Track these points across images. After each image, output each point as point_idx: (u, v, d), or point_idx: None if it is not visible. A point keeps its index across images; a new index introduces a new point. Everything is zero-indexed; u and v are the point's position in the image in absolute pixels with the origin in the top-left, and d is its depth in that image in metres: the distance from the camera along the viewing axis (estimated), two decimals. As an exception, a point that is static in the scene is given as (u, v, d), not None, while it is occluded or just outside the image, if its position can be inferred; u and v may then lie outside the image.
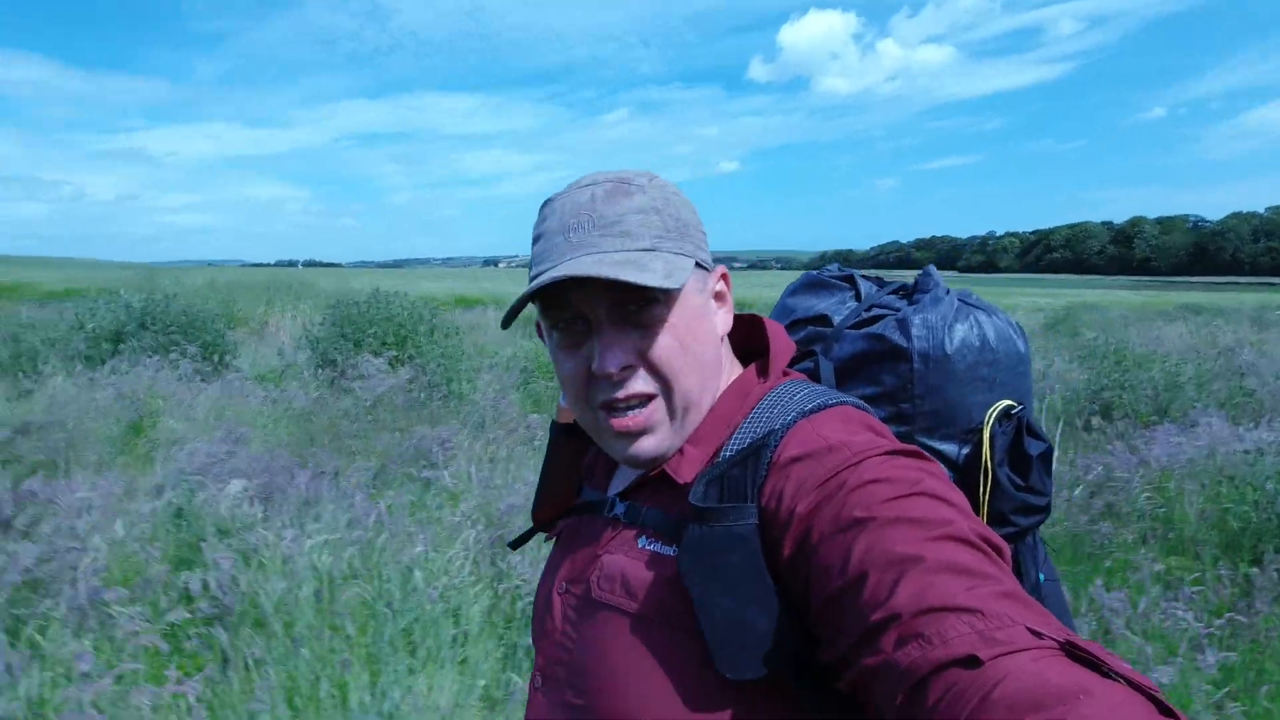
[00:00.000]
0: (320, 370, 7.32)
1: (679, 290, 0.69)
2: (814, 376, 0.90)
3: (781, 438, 0.67)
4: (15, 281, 23.26)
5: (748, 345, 0.82)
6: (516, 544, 0.95)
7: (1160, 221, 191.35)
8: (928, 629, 0.50)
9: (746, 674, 0.60)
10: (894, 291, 0.99)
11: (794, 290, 1.04)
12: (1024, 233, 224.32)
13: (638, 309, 0.70)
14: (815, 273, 1.04)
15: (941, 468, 0.66)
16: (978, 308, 0.92)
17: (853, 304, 0.97)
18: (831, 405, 0.70)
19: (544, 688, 0.76)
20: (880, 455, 0.62)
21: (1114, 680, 0.45)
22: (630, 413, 0.72)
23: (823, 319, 0.96)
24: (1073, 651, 0.47)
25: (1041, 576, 0.91)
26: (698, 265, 0.73)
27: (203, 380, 7.04)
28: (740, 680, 0.60)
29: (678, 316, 0.71)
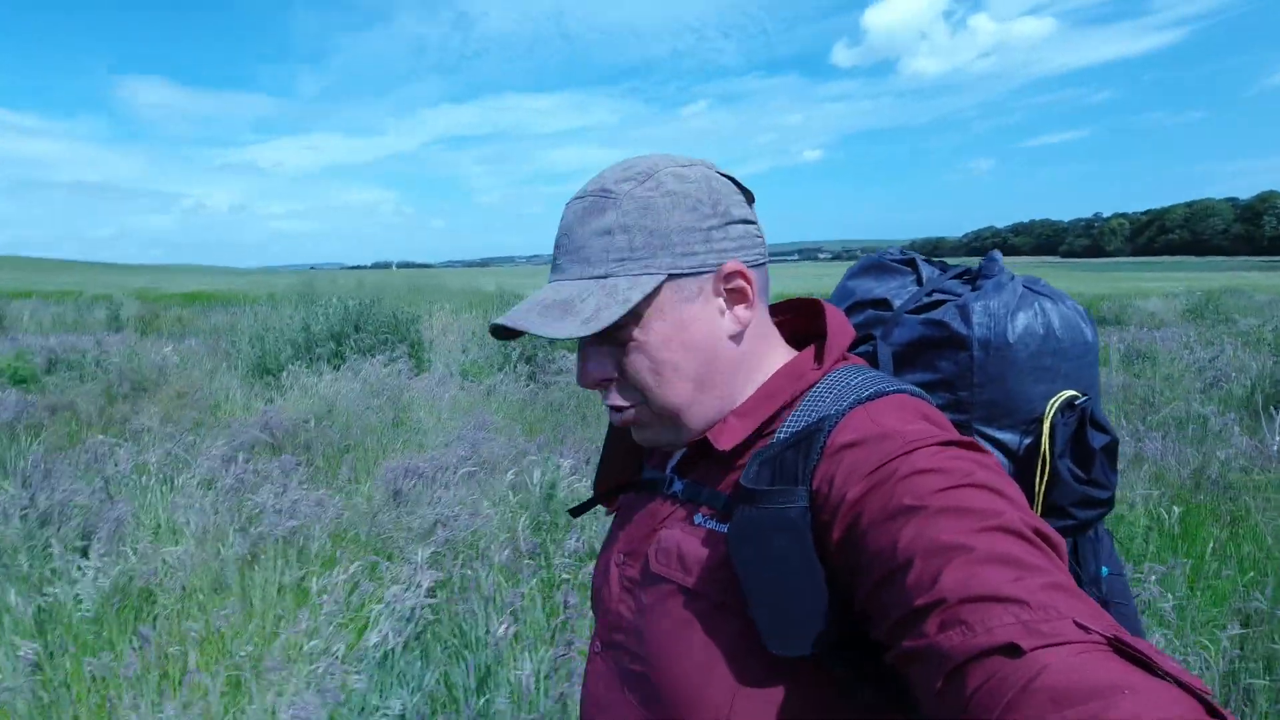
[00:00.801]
0: (518, 365, 7.99)
1: (647, 308, 0.70)
2: (872, 360, 0.90)
3: (836, 423, 0.66)
4: (198, 289, 25.48)
5: (809, 329, 0.82)
6: (577, 512, 0.95)
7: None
8: (971, 616, 0.49)
9: (791, 651, 0.61)
10: (957, 276, 0.97)
11: (854, 273, 1.02)
12: (1135, 213, 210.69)
13: (608, 328, 0.70)
14: (876, 255, 1.03)
15: (996, 459, 0.65)
16: (1043, 295, 0.89)
17: (914, 288, 0.96)
18: (888, 393, 0.69)
19: (603, 653, 0.79)
20: (933, 445, 0.61)
21: (1161, 679, 0.44)
22: (617, 413, 0.76)
23: (883, 303, 0.95)
24: (1120, 648, 0.46)
25: (1105, 570, 0.90)
26: (682, 274, 0.71)
27: (413, 376, 7.82)
28: (786, 657, 0.62)
29: (650, 334, 0.71)
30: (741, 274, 0.73)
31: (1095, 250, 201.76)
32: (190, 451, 4.26)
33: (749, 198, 0.77)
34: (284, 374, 7.50)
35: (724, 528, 0.69)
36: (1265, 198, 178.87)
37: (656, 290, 0.70)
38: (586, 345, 0.74)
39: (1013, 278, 0.91)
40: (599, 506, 0.94)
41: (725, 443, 0.72)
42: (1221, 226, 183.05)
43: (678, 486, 0.77)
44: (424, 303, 16.88)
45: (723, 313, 0.73)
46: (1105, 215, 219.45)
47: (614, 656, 0.76)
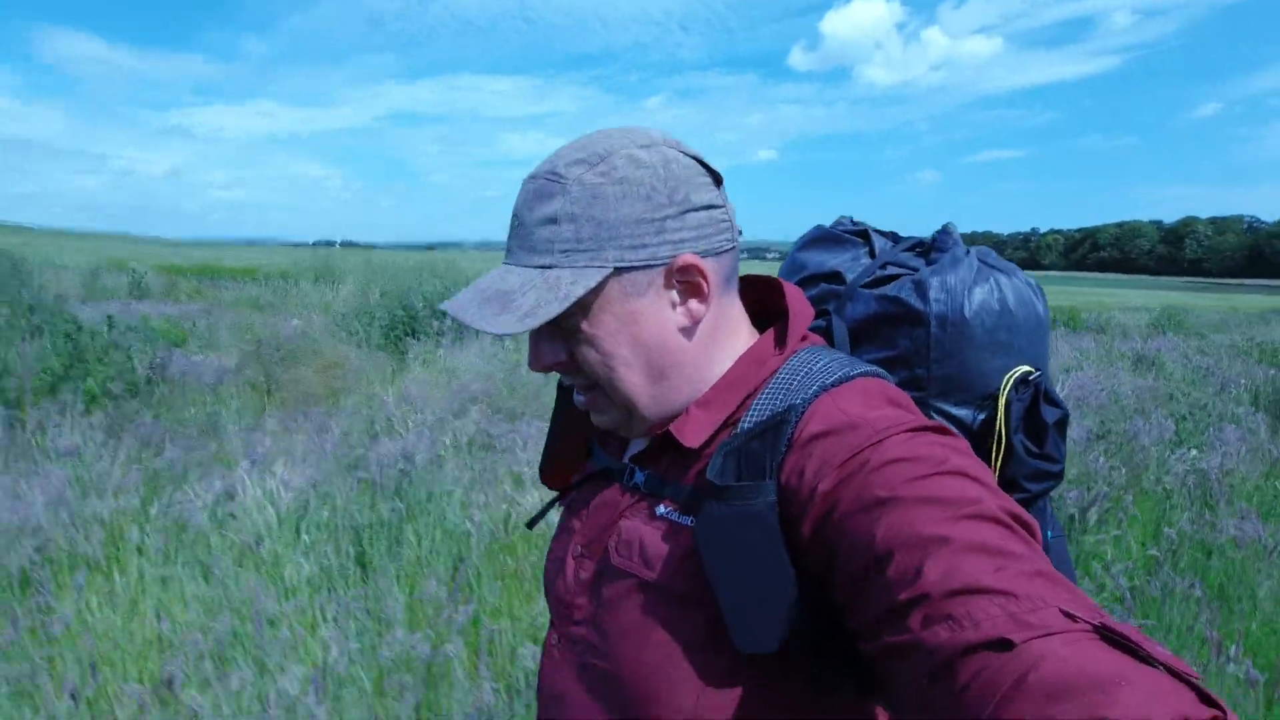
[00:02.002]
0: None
1: (594, 301, 0.68)
2: (826, 336, 0.88)
3: (802, 413, 0.65)
4: (247, 263, 24.14)
5: (765, 308, 0.80)
6: (534, 521, 0.93)
7: (1213, 221, 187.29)
8: (957, 610, 0.49)
9: (760, 648, 0.60)
10: (910, 248, 0.95)
11: (804, 244, 0.99)
12: (1069, 230, 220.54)
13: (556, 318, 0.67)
14: (827, 226, 1.00)
15: (966, 443, 0.63)
16: (997, 269, 0.89)
17: (866, 260, 0.94)
18: (853, 377, 0.68)
19: (560, 646, 0.77)
20: (904, 433, 0.61)
21: (1152, 666, 0.44)
22: (578, 395, 0.75)
23: (835, 276, 0.94)
24: (1108, 635, 0.46)
25: (1049, 534, 0.91)
26: (630, 268, 0.68)
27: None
28: (754, 654, 0.61)
29: (598, 327, 0.69)
30: (697, 268, 0.70)
31: (1032, 263, 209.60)
32: (455, 414, 4.71)
33: (716, 180, 0.72)
34: (407, 349, 7.89)
35: (687, 520, 0.68)
36: (1187, 223, 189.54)
37: (602, 284, 0.67)
38: (538, 330, 0.71)
39: (968, 251, 0.90)
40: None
41: (691, 439, 0.71)
42: (1147, 247, 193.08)
43: (639, 478, 0.74)
44: (433, 282, 16.84)
45: (674, 306, 0.71)
46: (1041, 230, 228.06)
47: (573, 650, 0.75)
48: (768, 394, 0.69)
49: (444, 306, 0.70)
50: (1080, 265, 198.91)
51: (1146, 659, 0.44)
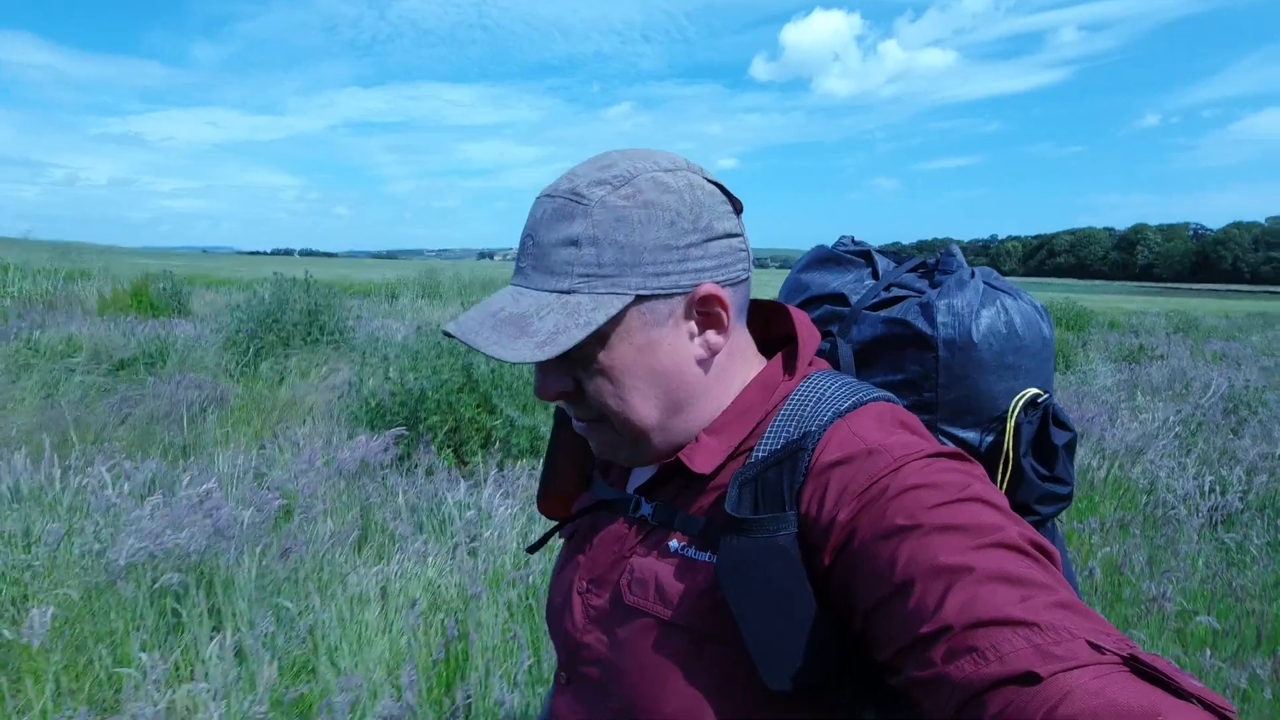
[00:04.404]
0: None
1: (612, 330, 0.65)
2: (831, 359, 0.87)
3: (818, 440, 0.63)
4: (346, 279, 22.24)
5: (770, 332, 0.79)
6: (534, 548, 0.89)
7: (1162, 229, 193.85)
8: (981, 643, 0.47)
9: (789, 685, 0.58)
10: (914, 269, 0.94)
11: (806, 265, 0.98)
12: (1026, 237, 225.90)
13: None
14: (829, 247, 0.99)
15: (983, 469, 0.63)
16: (1003, 291, 0.88)
17: (870, 282, 0.93)
18: (866, 402, 0.67)
19: (571, 686, 0.75)
20: (922, 459, 0.60)
21: (1185, 700, 0.42)
22: (579, 424, 0.72)
23: (839, 297, 0.91)
24: (1137, 667, 0.44)
25: None
26: (651, 296, 0.65)
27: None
28: (782, 691, 0.59)
29: (613, 357, 0.66)
30: (717, 298, 0.68)
31: (992, 269, 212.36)
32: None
33: (737, 207, 0.70)
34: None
35: (703, 556, 0.66)
36: (1138, 229, 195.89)
37: (622, 313, 0.65)
38: (544, 362, 0.68)
39: (973, 274, 0.89)
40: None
41: (702, 465, 0.69)
42: (1101, 253, 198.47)
43: (646, 510, 0.72)
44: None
45: (693, 336, 0.69)
46: (1000, 237, 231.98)
47: (585, 691, 0.72)
48: (780, 421, 0.68)
49: (449, 329, 0.66)
50: (1039, 271, 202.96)
51: (1179, 692, 0.43)
